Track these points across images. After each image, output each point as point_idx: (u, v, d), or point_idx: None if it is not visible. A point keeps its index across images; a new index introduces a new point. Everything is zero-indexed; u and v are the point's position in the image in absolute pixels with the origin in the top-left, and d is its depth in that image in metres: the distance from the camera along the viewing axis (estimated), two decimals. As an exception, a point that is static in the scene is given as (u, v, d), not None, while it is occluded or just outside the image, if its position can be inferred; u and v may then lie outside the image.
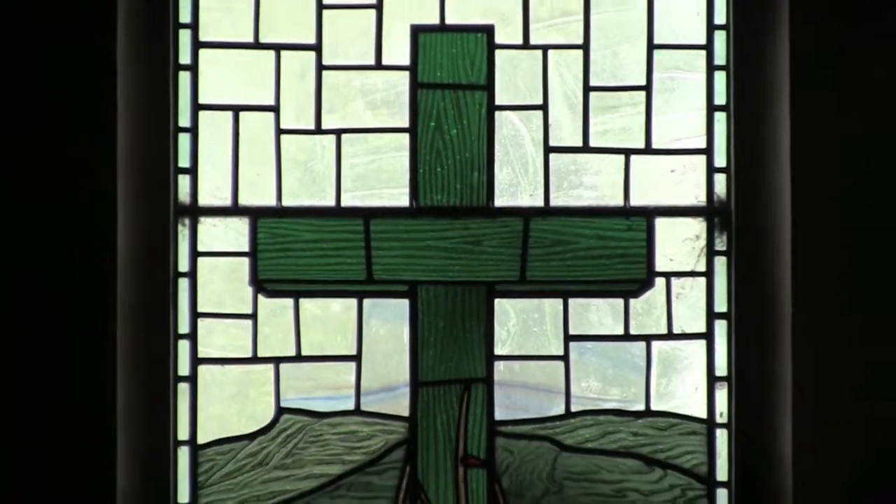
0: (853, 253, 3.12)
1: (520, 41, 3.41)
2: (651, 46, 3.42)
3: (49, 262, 3.10)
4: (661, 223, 3.37)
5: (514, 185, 3.41)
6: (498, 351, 3.40)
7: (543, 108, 3.40)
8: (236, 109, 3.37)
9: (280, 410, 3.35)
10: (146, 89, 3.24)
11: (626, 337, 3.41)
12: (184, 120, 3.36)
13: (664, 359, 3.43)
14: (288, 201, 3.33)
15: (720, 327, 3.40)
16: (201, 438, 3.38)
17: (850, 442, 3.12)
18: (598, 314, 3.41)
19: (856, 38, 3.17)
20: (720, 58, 3.40)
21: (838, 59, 3.16)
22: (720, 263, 3.38)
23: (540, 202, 3.38)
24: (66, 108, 3.05)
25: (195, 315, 3.36)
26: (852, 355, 3.14)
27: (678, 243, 3.41)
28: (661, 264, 3.41)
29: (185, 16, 3.35)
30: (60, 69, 3.05)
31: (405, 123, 3.35)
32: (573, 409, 3.40)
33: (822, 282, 3.14)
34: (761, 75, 3.30)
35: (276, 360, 3.36)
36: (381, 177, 3.38)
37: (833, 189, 3.12)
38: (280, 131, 3.36)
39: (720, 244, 3.37)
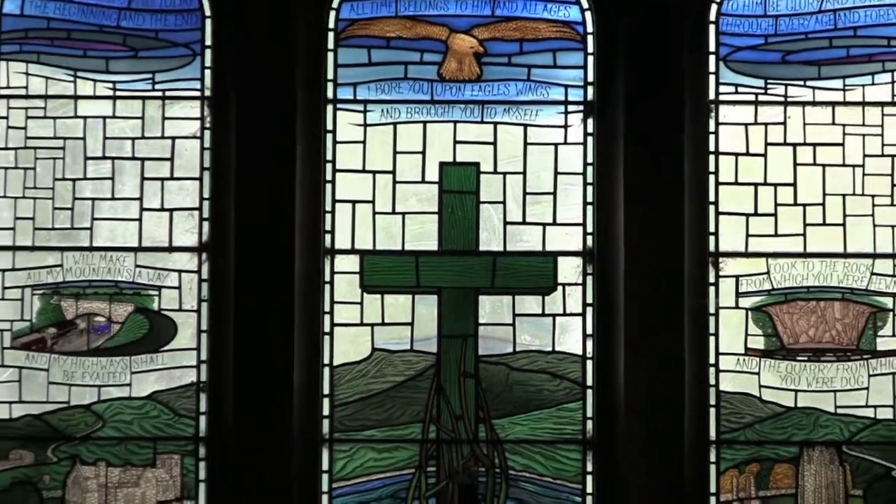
0: (649, 272, 5.65)
1: (492, 170, 5.80)
2: (556, 173, 5.80)
3: (266, 277, 5.65)
4: (561, 260, 5.78)
5: (489, 240, 5.81)
6: (480, 321, 5.76)
7: (503, 202, 5.80)
8: (353, 202, 5.78)
9: (374, 349, 5.76)
10: (312, 193, 5.73)
11: (543, 315, 5.77)
12: (328, 207, 5.75)
13: (561, 325, 5.76)
14: (379, 247, 5.79)
15: (589, 310, 5.74)
16: (336, 363, 5.72)
17: (649, 360, 5.57)
18: (530, 303, 5.79)
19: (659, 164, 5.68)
20: (590, 179, 5.75)
21: (653, 178, 5.66)
22: (589, 278, 5.72)
23: (501, 249, 5.79)
24: (281, 204, 5.69)
25: (332, 302, 5.71)
26: (650, 320, 5.59)
27: (569, 269, 5.79)
28: (560, 279, 5.76)
29: (329, 155, 5.79)
30: (281, 184, 5.66)
31: (436, 209, 5.80)
32: (517, 350, 5.76)
33: (638, 286, 5.62)
34: (610, 187, 5.69)
35: (372, 325, 5.75)
36: (424, 235, 5.81)
37: (645, 240, 5.64)
38: (374, 213, 5.80)
39: (589, 270, 5.73)
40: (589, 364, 5.83)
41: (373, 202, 5.90)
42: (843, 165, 5.94)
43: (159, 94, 5.89)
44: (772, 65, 5.95)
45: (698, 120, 5.83)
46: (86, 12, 5.95)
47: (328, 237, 5.87)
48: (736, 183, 5.88)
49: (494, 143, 5.90)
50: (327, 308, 5.83)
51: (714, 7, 5.95)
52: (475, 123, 5.92)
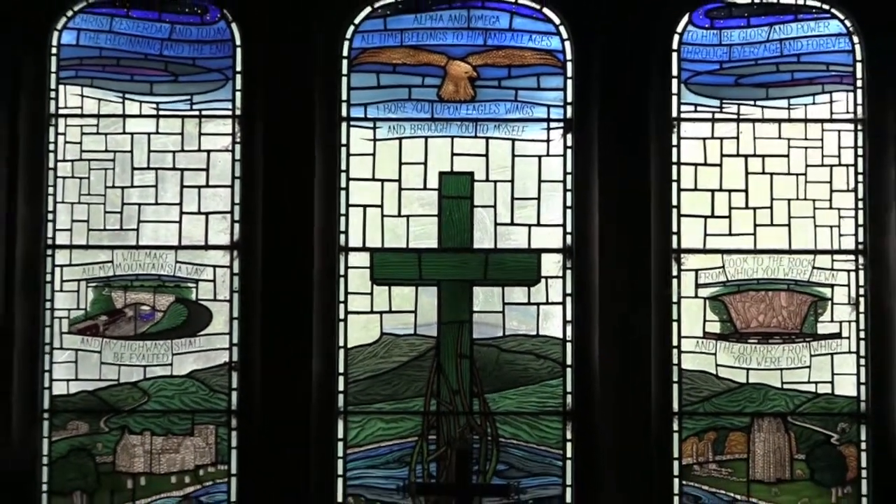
0: (620, 266, 6.23)
1: (484, 178, 6.47)
2: (540, 181, 6.45)
3: (289, 271, 6.25)
4: (544, 256, 6.44)
5: (482, 239, 6.45)
6: (474, 309, 6.41)
7: (494, 206, 6.45)
8: (364, 206, 6.44)
9: (382, 334, 6.42)
10: (328, 199, 6.35)
11: (528, 303, 6.40)
12: (343, 211, 6.40)
13: (544, 313, 6.40)
14: (386, 245, 6.44)
15: (569, 299, 6.37)
16: (349, 345, 6.37)
17: (621, 342, 6.15)
18: (517, 293, 6.42)
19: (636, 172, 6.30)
20: (569, 186, 6.38)
21: (623, 185, 6.28)
22: (569, 272, 6.37)
23: (492, 246, 6.44)
24: (302, 208, 6.32)
25: (346, 293, 6.38)
26: (621, 308, 6.19)
27: (551, 263, 6.42)
28: (544, 272, 6.40)
29: (343, 166, 6.43)
30: (302, 195, 6.30)
31: (436, 212, 6.46)
32: (506, 334, 6.41)
33: (610, 279, 6.22)
34: (586, 192, 6.32)
35: (381, 312, 6.41)
36: (426, 235, 6.45)
37: (616, 239, 6.24)
38: (383, 216, 6.45)
39: (569, 264, 6.39)
40: (568, 346, 6.48)
41: (381, 206, 6.55)
42: (788, 174, 6.55)
43: (196, 113, 6.53)
44: (726, 87, 6.57)
45: (663, 134, 6.45)
46: (133, 42, 6.63)
47: (342, 237, 6.52)
48: (695, 189, 6.50)
49: (486, 155, 6.57)
50: (342, 298, 6.49)
51: (676, 37, 6.61)
52: (470, 138, 6.56)
